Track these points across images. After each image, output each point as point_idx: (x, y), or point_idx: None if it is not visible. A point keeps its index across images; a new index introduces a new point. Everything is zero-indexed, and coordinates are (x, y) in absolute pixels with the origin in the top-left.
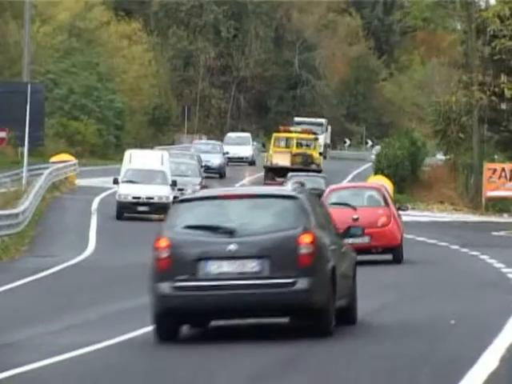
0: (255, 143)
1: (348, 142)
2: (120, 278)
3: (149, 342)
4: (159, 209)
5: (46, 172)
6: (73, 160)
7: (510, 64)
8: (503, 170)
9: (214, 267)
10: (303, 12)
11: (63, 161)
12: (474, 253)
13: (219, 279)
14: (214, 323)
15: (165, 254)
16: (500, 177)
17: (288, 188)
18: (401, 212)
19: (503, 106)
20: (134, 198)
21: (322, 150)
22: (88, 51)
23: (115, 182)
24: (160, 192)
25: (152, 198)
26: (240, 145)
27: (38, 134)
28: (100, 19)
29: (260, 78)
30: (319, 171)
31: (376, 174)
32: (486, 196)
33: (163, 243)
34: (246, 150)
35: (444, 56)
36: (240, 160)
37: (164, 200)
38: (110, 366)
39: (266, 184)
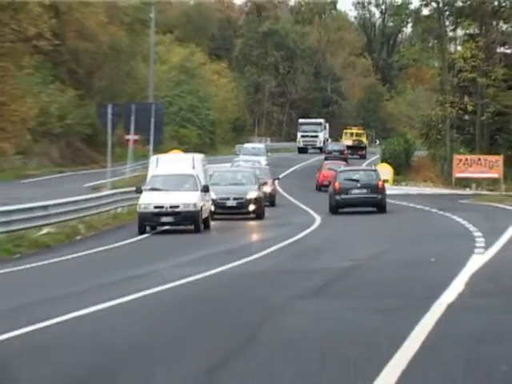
0: (269, 154)
1: None
2: (217, 230)
3: (230, 274)
4: (186, 219)
5: (162, 159)
6: (180, 152)
7: (470, 89)
8: (466, 159)
9: (354, 191)
10: (333, 55)
11: (179, 152)
12: (447, 214)
13: (356, 195)
14: None
15: (337, 187)
16: (464, 164)
17: (373, 168)
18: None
19: (466, 117)
20: (155, 207)
21: (322, 144)
22: (192, 82)
23: (138, 191)
24: (187, 199)
25: (177, 207)
26: (255, 155)
27: (159, 137)
28: (199, 61)
29: (305, 99)
30: (365, 148)
31: (382, 162)
32: (455, 177)
33: (337, 184)
34: (261, 162)
35: (427, 84)
36: None
37: (191, 208)
38: (209, 288)
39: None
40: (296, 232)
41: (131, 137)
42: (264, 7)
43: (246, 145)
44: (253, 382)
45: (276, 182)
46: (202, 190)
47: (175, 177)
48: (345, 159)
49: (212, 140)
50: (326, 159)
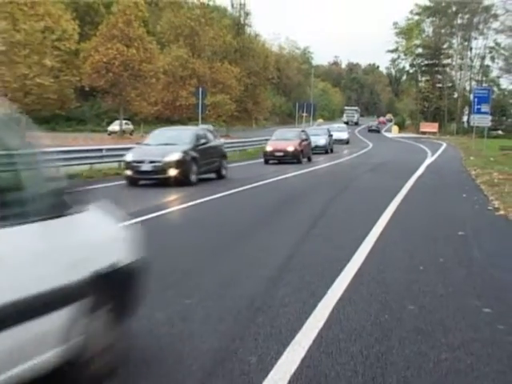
0: (349, 130)
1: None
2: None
3: (335, 165)
4: None
5: (316, 123)
6: (322, 120)
7: (427, 99)
8: (425, 124)
9: (372, 128)
10: (377, 87)
11: (321, 120)
12: (417, 144)
13: (373, 129)
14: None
15: (370, 126)
16: (424, 126)
17: (379, 125)
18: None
19: (425, 109)
20: None
21: (357, 120)
22: (326, 95)
23: None
24: None
25: None
26: (341, 131)
27: (315, 114)
28: (329, 87)
29: (367, 102)
30: (392, 119)
31: (394, 125)
32: (420, 130)
33: (370, 125)
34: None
35: (411, 96)
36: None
37: None
38: (323, 170)
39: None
40: (361, 150)
41: (304, 114)
42: (352, 69)
43: (336, 124)
44: (345, 202)
45: (304, 142)
46: None
47: None
48: (389, 120)
49: (333, 116)
50: (385, 122)
